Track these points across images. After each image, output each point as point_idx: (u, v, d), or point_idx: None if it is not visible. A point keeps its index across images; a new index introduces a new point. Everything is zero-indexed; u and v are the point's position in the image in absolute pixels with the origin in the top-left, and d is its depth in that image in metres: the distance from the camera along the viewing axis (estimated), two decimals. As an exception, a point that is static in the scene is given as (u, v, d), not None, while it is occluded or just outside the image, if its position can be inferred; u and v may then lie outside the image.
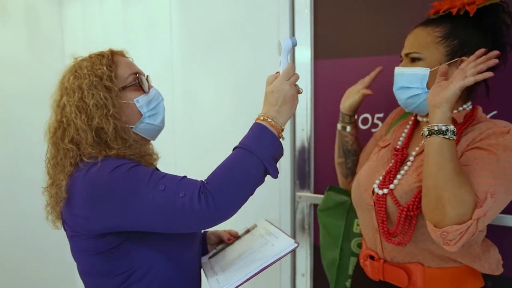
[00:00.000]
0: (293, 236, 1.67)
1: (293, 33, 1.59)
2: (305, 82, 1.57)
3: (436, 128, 0.86)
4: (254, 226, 1.17)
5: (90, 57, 1.00)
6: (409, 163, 1.02)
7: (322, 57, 1.54)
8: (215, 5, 1.78)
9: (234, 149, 0.93)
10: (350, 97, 1.27)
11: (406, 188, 0.97)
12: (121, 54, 1.05)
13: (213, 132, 1.84)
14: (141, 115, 1.01)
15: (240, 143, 0.92)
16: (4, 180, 2.07)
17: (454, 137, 0.86)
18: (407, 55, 1.01)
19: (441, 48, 0.97)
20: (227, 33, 1.76)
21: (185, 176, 0.91)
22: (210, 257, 1.13)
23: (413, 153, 1.03)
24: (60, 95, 0.98)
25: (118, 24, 2.06)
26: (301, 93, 0.97)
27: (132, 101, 0.99)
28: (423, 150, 0.99)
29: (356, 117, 1.31)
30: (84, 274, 1.00)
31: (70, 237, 0.98)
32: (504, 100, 1.22)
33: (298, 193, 1.64)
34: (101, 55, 1.00)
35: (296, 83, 0.97)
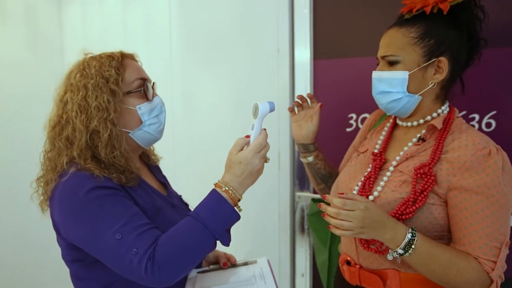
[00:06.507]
0: (293, 236, 1.68)
1: (292, 33, 1.59)
2: (305, 82, 1.57)
3: (400, 252, 0.87)
4: (254, 262, 1.16)
5: (100, 57, 0.99)
6: (391, 168, 1.00)
7: (321, 57, 1.55)
8: (214, 5, 1.77)
9: (188, 215, 0.90)
10: (303, 126, 1.21)
11: (390, 198, 0.95)
12: (131, 57, 1.04)
13: (213, 132, 1.84)
14: (141, 122, 1.00)
15: (195, 212, 0.90)
16: (3, 180, 2.06)
17: (413, 247, 0.85)
18: (383, 57, 0.99)
19: (418, 49, 0.95)
20: (226, 33, 1.76)
21: (151, 228, 0.89)
22: (199, 272, 1.12)
23: (394, 162, 1.00)
24: (64, 91, 0.97)
25: (118, 24, 2.06)
26: (268, 162, 0.94)
27: (134, 107, 0.98)
28: (406, 158, 0.99)
29: (317, 141, 1.24)
30: (71, 275, 1.02)
31: (57, 241, 0.99)
32: (503, 100, 1.22)
33: (298, 193, 1.64)
34: (111, 56, 0.98)
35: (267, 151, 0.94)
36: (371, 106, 1.44)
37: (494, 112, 1.24)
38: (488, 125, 1.25)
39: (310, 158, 1.23)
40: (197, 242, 0.87)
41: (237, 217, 0.91)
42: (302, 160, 1.27)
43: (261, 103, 0.93)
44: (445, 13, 0.94)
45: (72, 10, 2.20)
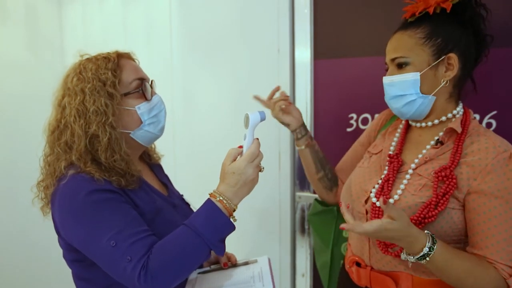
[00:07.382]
0: (293, 236, 1.68)
1: (293, 33, 1.59)
2: (305, 82, 1.57)
3: (419, 256, 0.85)
4: (255, 261, 1.15)
5: (96, 58, 0.97)
6: (410, 171, 0.99)
7: (322, 57, 1.54)
8: (214, 5, 1.77)
9: (183, 224, 0.90)
10: (289, 110, 1.23)
11: (411, 202, 0.94)
12: (127, 56, 1.03)
13: (213, 131, 1.84)
14: (141, 122, 0.99)
15: (190, 221, 0.89)
16: (3, 180, 2.06)
17: (434, 248, 0.84)
18: (393, 60, 0.98)
19: (426, 49, 0.95)
20: (226, 33, 1.76)
21: (146, 236, 0.88)
22: (199, 273, 1.12)
23: (413, 165, 0.99)
24: (62, 95, 0.97)
25: (118, 24, 2.06)
26: (262, 171, 0.93)
27: (133, 108, 0.98)
28: (425, 161, 0.98)
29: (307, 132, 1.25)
30: (73, 275, 1.02)
31: (58, 241, 0.99)
32: (503, 100, 1.22)
33: (298, 193, 1.64)
34: (107, 58, 0.97)
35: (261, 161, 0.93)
36: (371, 106, 1.44)
37: (494, 112, 1.24)
38: (488, 125, 1.25)
39: (305, 139, 1.24)
40: (190, 251, 0.87)
41: (232, 228, 0.90)
42: (301, 148, 1.25)
43: (251, 113, 0.93)
44: (448, 12, 0.94)
45: (72, 10, 2.20)
